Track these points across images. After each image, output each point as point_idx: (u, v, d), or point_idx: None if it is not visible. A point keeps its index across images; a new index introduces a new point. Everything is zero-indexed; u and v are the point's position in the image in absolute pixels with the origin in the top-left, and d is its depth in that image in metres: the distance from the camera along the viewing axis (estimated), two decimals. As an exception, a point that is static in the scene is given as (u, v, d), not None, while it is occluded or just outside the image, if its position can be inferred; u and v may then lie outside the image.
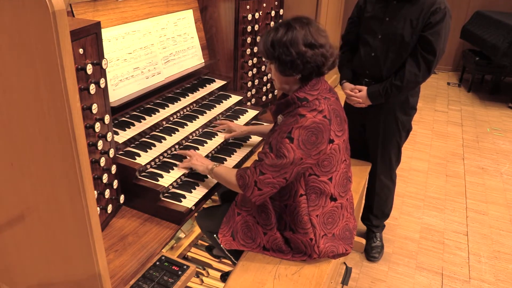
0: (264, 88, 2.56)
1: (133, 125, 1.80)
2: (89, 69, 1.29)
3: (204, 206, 1.83)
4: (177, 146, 1.87)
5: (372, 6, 2.18)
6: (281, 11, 2.47)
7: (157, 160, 1.75)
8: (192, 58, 2.23)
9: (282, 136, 1.48)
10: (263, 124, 2.20)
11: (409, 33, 2.05)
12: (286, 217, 1.62)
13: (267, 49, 1.52)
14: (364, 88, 2.22)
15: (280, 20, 2.47)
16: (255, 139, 2.11)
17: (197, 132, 1.99)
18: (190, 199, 1.64)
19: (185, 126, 1.96)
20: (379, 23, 2.14)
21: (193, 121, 2.01)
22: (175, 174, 1.71)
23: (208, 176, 1.77)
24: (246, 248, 1.70)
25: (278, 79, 1.58)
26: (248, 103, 2.44)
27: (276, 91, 2.67)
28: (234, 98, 2.29)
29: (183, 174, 1.74)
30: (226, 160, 1.91)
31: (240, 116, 2.22)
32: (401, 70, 2.11)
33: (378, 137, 2.34)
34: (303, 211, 1.57)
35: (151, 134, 1.87)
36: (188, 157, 1.77)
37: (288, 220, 1.62)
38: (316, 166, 1.53)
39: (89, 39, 1.30)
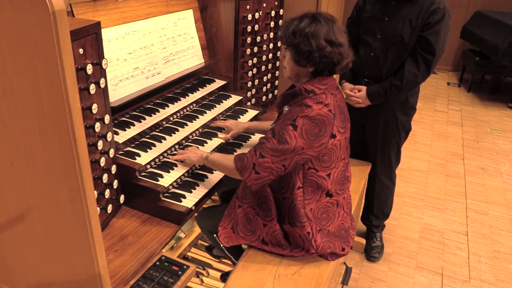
0: (264, 88, 2.56)
1: (133, 125, 1.80)
2: (89, 69, 1.29)
3: (204, 206, 1.83)
4: (177, 146, 1.87)
5: (371, 6, 2.18)
6: (281, 11, 2.47)
7: (157, 160, 1.75)
8: (192, 58, 2.24)
9: (286, 123, 1.49)
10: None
11: (409, 33, 2.05)
12: (285, 210, 1.62)
13: (287, 35, 1.53)
14: (364, 88, 2.22)
15: (280, 21, 2.47)
16: (256, 139, 2.11)
17: (197, 132, 1.99)
18: (190, 199, 1.64)
19: (185, 126, 1.96)
20: (379, 23, 2.14)
21: (193, 121, 2.01)
22: (175, 174, 1.71)
23: (208, 175, 1.78)
24: (245, 241, 1.69)
25: (290, 68, 1.59)
26: (248, 103, 2.45)
27: (276, 91, 2.68)
28: (234, 98, 2.30)
29: (183, 174, 1.74)
30: (226, 160, 1.91)
31: (240, 116, 2.22)
32: (400, 70, 2.11)
33: (378, 137, 2.34)
34: (299, 204, 1.58)
35: (151, 134, 1.87)
36: (184, 151, 1.78)
37: (286, 213, 1.62)
38: (316, 159, 1.54)
39: (89, 39, 1.30)
